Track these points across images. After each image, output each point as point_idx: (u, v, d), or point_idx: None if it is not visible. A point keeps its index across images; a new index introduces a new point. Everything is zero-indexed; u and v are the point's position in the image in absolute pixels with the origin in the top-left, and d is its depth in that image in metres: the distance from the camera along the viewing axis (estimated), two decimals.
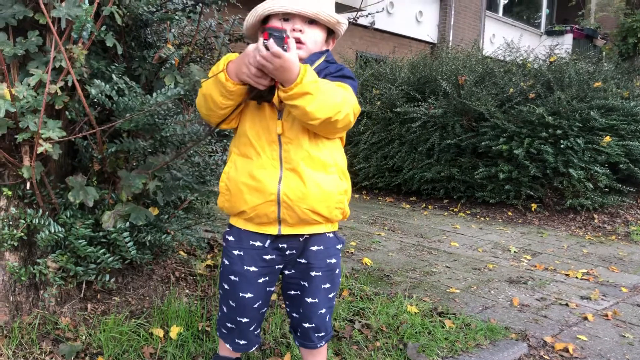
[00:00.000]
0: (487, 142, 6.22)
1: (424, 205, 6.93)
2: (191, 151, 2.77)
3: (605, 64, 7.29)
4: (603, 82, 6.29)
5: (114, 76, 2.14)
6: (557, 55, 7.09)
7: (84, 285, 2.47)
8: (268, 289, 1.85)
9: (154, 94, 2.07)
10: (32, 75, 1.99)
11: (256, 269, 1.79)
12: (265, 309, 1.89)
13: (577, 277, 4.07)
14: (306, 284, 1.84)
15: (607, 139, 5.79)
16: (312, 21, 1.73)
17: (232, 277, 1.81)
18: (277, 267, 1.83)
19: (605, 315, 3.32)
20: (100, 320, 2.38)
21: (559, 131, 5.85)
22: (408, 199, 7.21)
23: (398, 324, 2.77)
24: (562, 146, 5.84)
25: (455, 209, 6.67)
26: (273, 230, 1.75)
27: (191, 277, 3.05)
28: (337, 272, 1.88)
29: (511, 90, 6.38)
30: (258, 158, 1.70)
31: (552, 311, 3.33)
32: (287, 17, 1.72)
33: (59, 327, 2.30)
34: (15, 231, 2.19)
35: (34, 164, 2.07)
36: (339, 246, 1.88)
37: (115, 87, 2.15)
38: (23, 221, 2.18)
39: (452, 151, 6.65)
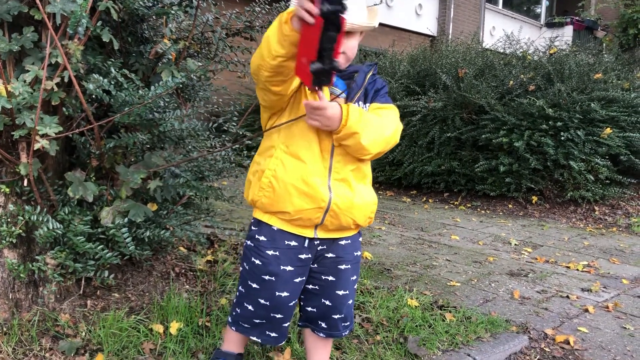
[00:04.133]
0: (488, 135, 6.21)
1: (425, 198, 6.92)
2: (190, 147, 2.77)
3: (605, 55, 7.27)
4: (603, 74, 6.27)
5: (112, 69, 2.13)
6: (557, 47, 7.07)
7: (83, 281, 2.47)
8: (301, 285, 1.87)
9: (152, 87, 2.06)
10: (28, 71, 1.98)
11: (292, 269, 1.80)
12: (295, 301, 1.90)
13: (577, 270, 4.07)
14: (333, 278, 1.87)
15: (608, 130, 5.77)
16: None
17: (267, 277, 1.80)
18: (310, 265, 1.86)
19: (606, 307, 3.31)
20: (100, 317, 2.37)
21: (559, 123, 5.83)
22: (408, 193, 7.21)
23: (398, 317, 2.76)
24: (562, 138, 5.83)
25: (455, 202, 6.67)
26: (309, 233, 1.79)
27: (191, 273, 3.05)
28: (360, 263, 1.98)
29: (511, 82, 6.36)
30: (312, 164, 1.71)
31: (552, 303, 3.33)
32: None
33: (58, 324, 2.30)
34: (13, 228, 2.18)
35: (31, 161, 2.06)
36: (360, 238, 1.96)
37: (113, 82, 2.14)
38: (21, 218, 2.18)
39: (452, 144, 6.64)
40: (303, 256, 1.81)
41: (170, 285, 2.75)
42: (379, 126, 1.71)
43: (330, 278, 1.87)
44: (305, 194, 1.70)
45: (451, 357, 2.48)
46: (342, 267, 1.87)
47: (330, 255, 1.85)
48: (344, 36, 1.40)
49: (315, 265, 1.86)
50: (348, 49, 1.70)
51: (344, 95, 1.76)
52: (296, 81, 1.67)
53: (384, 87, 1.85)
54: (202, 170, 2.71)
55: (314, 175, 1.70)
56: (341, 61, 1.63)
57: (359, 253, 1.93)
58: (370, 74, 1.82)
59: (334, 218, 1.75)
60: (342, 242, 1.86)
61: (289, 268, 1.79)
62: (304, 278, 1.85)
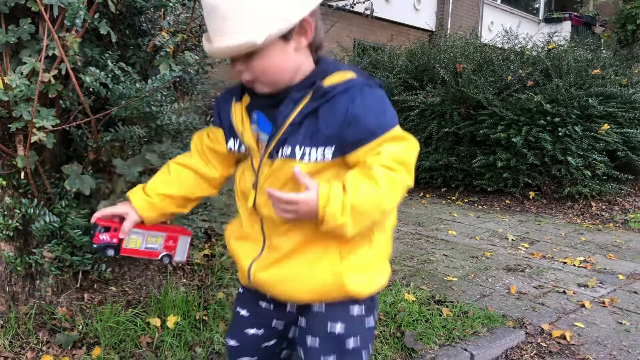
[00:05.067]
0: (485, 130, 6.21)
1: (422, 193, 6.92)
2: (187, 141, 2.75)
3: (603, 51, 7.28)
4: (601, 70, 6.27)
5: (109, 62, 2.12)
6: (555, 43, 7.06)
7: (80, 275, 2.46)
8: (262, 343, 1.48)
9: (150, 80, 2.05)
10: (25, 63, 1.97)
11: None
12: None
13: (574, 265, 4.08)
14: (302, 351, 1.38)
15: (606, 126, 5.78)
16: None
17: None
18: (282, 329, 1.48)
19: (602, 302, 3.32)
20: (97, 310, 2.37)
21: (557, 119, 5.83)
22: None
23: (395, 312, 2.77)
24: (560, 134, 5.83)
25: (453, 198, 6.67)
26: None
27: (188, 267, 3.04)
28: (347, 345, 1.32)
29: (509, 77, 6.35)
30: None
31: (549, 299, 3.33)
32: None
33: (55, 317, 2.29)
34: (10, 221, 2.17)
35: (28, 153, 2.05)
36: (357, 310, 1.34)
37: (110, 75, 2.13)
38: (18, 211, 2.17)
39: (450, 139, 6.64)
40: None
41: (167, 279, 2.75)
42: (375, 206, 1.17)
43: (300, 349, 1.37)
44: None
45: (448, 352, 2.48)
46: (309, 341, 1.33)
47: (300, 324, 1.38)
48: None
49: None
50: (259, 71, 1.20)
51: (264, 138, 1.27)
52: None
53: (376, 105, 1.19)
54: None
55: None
56: (264, 90, 1.23)
57: (338, 330, 1.29)
58: (306, 100, 1.20)
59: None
60: (315, 309, 1.33)
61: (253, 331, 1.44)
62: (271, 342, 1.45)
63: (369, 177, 1.14)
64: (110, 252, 1.32)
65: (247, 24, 1.13)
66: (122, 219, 1.37)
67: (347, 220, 1.13)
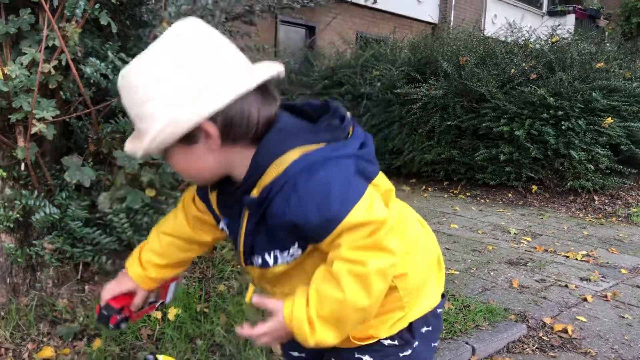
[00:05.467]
0: (488, 123, 6.18)
1: (424, 187, 6.90)
2: None
3: (607, 44, 7.23)
4: (605, 63, 6.23)
5: (109, 53, 2.11)
6: (559, 36, 7.03)
7: (81, 267, 2.46)
8: None
9: None
10: (25, 54, 1.96)
11: None
12: None
13: (576, 259, 4.07)
14: None
15: (609, 120, 5.75)
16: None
17: None
18: None
19: (604, 296, 3.31)
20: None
21: (560, 112, 5.80)
22: (408, 181, 7.19)
23: None
24: (563, 127, 5.80)
25: (455, 191, 6.65)
26: None
27: None
28: None
29: (512, 71, 6.32)
30: None
31: (551, 292, 3.32)
32: None
33: (56, 309, 2.29)
34: (10, 212, 2.17)
35: (29, 145, 2.04)
36: None
37: (111, 66, 2.12)
38: (18, 202, 2.16)
39: (452, 133, 6.61)
40: None
41: None
42: (344, 310, 1.02)
43: None
44: None
45: (450, 345, 2.48)
46: None
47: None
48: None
49: None
50: (179, 168, 1.10)
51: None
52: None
53: (316, 199, 0.99)
54: None
55: None
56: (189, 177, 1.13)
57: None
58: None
59: None
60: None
61: None
62: None
63: (332, 277, 1.01)
64: (124, 324, 1.34)
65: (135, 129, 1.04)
66: (129, 292, 1.35)
67: (320, 336, 1.02)
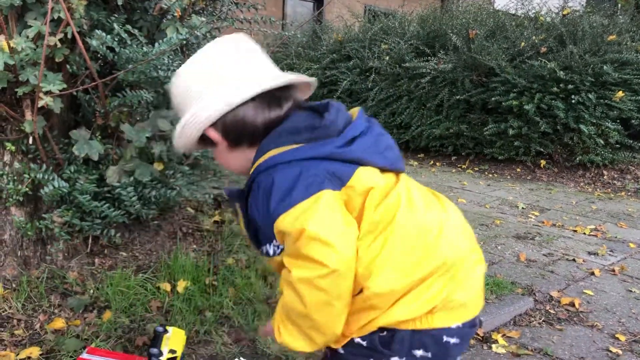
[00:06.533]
0: (497, 97, 6.13)
1: (432, 162, 6.88)
2: None
3: (620, 16, 7.09)
4: (617, 36, 6.13)
5: (115, 26, 2.09)
6: (570, 8, 6.91)
7: (90, 240, 2.48)
8: None
9: (156, 44, 2.02)
10: (31, 26, 1.95)
11: None
12: None
13: (584, 233, 4.06)
14: None
15: (620, 93, 5.68)
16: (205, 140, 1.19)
17: None
18: None
19: (612, 270, 3.32)
20: (108, 275, 2.39)
21: (570, 86, 5.74)
22: (416, 156, 7.17)
23: None
24: (573, 101, 5.74)
25: (463, 166, 6.63)
26: None
27: (198, 233, 3.06)
28: None
29: (522, 44, 6.23)
30: None
31: (558, 266, 3.33)
32: None
33: (67, 281, 2.32)
34: (20, 186, 2.18)
35: (36, 118, 2.04)
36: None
37: (117, 38, 2.10)
38: (27, 176, 2.17)
39: (461, 107, 6.56)
40: None
41: (177, 245, 2.77)
42: (288, 314, 1.09)
43: None
44: None
45: None
46: None
47: None
48: None
49: None
50: (218, 162, 1.30)
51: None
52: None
53: (261, 198, 1.08)
54: None
55: None
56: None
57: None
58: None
59: None
60: None
61: None
62: None
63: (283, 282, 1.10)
64: None
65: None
66: None
67: (285, 339, 1.11)
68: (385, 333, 1.09)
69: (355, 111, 1.20)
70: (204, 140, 1.17)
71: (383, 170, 1.13)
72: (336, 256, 1.00)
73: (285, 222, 1.03)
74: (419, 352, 1.09)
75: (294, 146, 1.08)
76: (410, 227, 1.09)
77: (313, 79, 1.22)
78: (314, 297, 1.02)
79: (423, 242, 1.10)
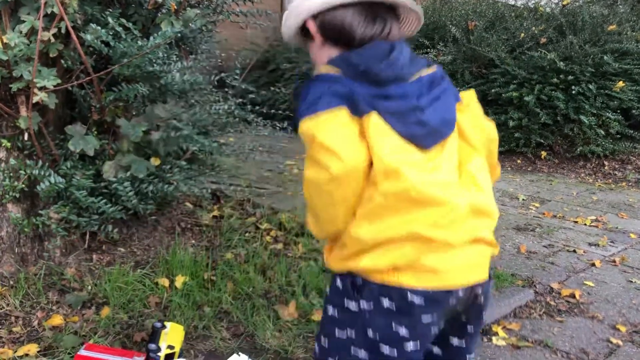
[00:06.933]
0: (497, 89, 6.10)
1: None
2: (192, 101, 2.72)
3: (620, 6, 7.06)
4: (618, 25, 6.10)
5: (110, 20, 2.07)
6: None
7: (88, 236, 2.47)
8: None
9: (151, 38, 2.01)
10: (24, 21, 1.93)
11: None
12: None
13: (585, 224, 4.05)
14: None
15: (620, 84, 5.65)
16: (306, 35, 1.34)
17: None
18: None
19: (612, 261, 3.30)
20: (106, 271, 2.38)
21: (570, 77, 5.71)
22: None
23: None
24: (573, 92, 5.72)
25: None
26: None
27: (197, 228, 3.05)
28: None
29: (522, 35, 6.20)
30: None
31: (559, 258, 3.32)
32: None
33: (64, 278, 2.31)
34: (16, 182, 2.17)
35: (31, 114, 2.03)
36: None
37: (112, 32, 2.09)
38: (23, 172, 2.16)
39: None
40: None
41: (175, 240, 2.76)
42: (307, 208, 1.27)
43: None
44: None
45: None
46: None
47: None
48: None
49: None
50: (311, 57, 1.39)
51: None
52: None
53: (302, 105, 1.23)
54: (205, 125, 2.67)
55: None
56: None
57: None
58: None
59: None
60: None
61: None
62: None
63: None
64: None
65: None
66: None
67: (309, 224, 1.30)
68: (359, 281, 1.20)
69: (428, 71, 1.29)
70: (305, 34, 1.31)
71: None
72: (339, 163, 1.12)
73: (304, 126, 1.17)
74: (385, 301, 1.18)
75: (338, 71, 1.22)
76: (403, 191, 1.14)
77: (420, 11, 1.32)
78: (313, 194, 1.20)
79: (418, 208, 1.14)
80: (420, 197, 1.13)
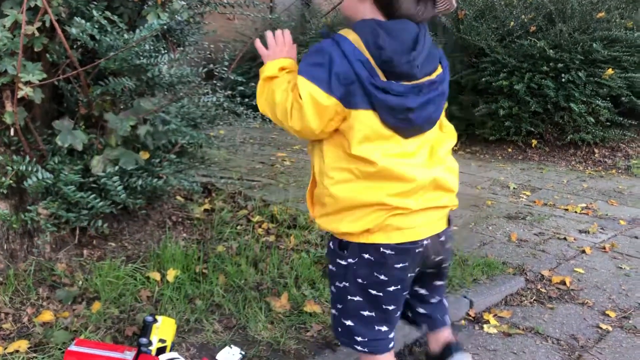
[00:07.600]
0: (488, 78, 6.09)
1: None
2: (180, 94, 2.70)
3: None
4: (606, 13, 6.10)
5: (95, 13, 2.05)
6: None
7: (78, 231, 2.46)
8: None
9: (137, 31, 1.99)
10: (7, 15, 1.91)
11: None
12: None
13: (576, 212, 4.07)
14: None
15: (610, 71, 5.67)
16: None
17: None
18: None
19: (602, 248, 3.33)
20: (96, 266, 2.37)
21: (560, 65, 5.72)
22: None
23: None
24: (563, 80, 5.73)
25: (454, 148, 6.61)
26: None
27: (188, 221, 3.04)
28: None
29: (512, 23, 6.20)
30: None
31: (550, 245, 3.33)
32: None
33: (55, 273, 2.30)
34: (3, 178, 2.15)
35: (16, 109, 2.01)
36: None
37: (97, 26, 2.07)
38: (10, 168, 2.14)
39: (451, 89, 6.48)
40: None
41: (167, 234, 2.75)
42: (271, 92, 1.53)
43: None
44: None
45: (448, 299, 2.48)
46: None
47: None
48: None
49: None
50: (342, 8, 1.62)
51: None
52: None
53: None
54: (194, 118, 2.65)
55: None
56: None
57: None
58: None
59: None
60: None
61: None
62: None
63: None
64: None
65: None
66: None
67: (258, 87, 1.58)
68: (344, 243, 1.54)
69: (436, 72, 1.51)
70: None
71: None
72: (303, 124, 1.43)
73: (300, 80, 1.41)
74: (365, 255, 1.51)
75: (360, 44, 1.41)
76: (376, 172, 1.44)
77: None
78: (276, 112, 1.50)
79: (380, 182, 1.45)
80: (389, 174, 1.43)
